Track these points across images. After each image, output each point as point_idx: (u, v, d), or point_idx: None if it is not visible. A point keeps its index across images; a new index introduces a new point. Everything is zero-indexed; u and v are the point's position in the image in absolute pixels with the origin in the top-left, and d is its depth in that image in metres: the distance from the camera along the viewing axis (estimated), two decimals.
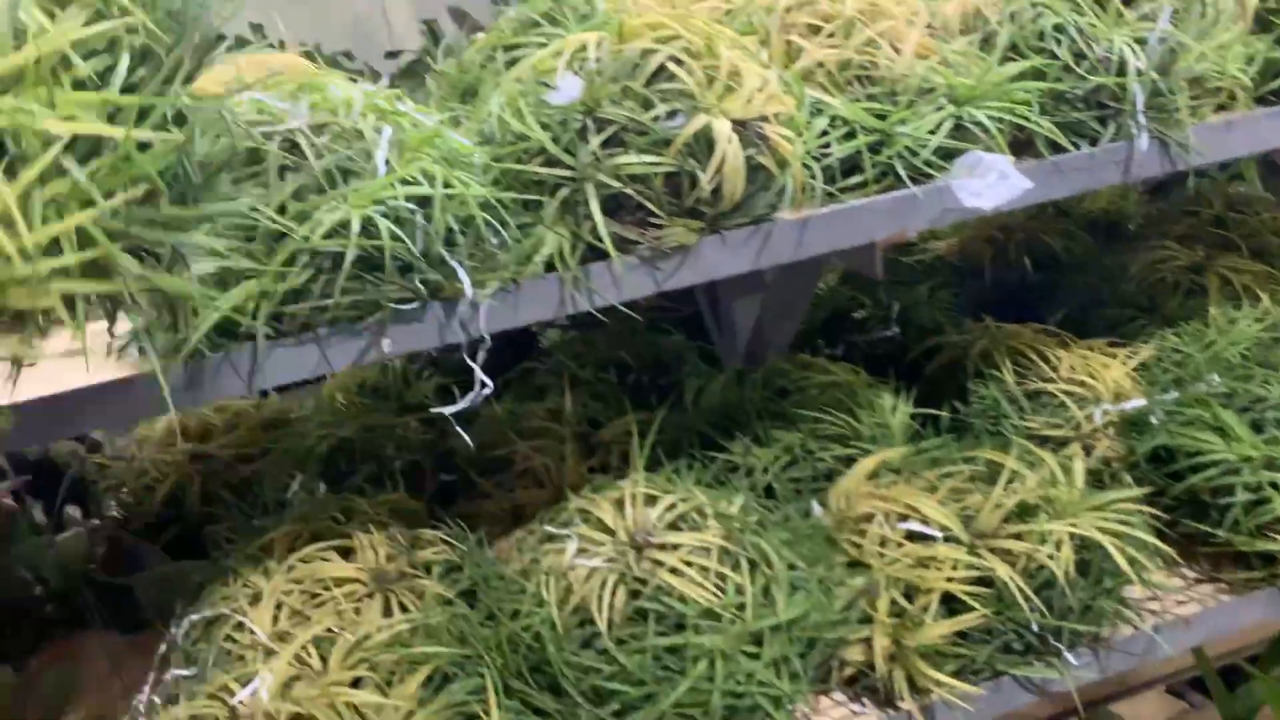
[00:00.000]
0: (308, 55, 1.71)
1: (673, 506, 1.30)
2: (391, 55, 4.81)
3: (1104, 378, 1.57)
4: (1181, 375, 1.57)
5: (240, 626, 1.29)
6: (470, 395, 1.13)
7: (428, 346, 1.12)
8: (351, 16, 4.64)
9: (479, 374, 1.11)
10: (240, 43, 4.18)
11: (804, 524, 1.39)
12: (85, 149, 0.81)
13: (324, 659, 1.21)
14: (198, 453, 1.79)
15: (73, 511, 1.88)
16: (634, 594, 1.21)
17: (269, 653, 1.22)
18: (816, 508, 1.44)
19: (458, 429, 1.25)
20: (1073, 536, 1.27)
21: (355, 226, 1.04)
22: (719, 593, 1.20)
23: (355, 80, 1.21)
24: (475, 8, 4.75)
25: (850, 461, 1.48)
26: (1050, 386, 1.55)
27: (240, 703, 1.14)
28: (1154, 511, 1.41)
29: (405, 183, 1.08)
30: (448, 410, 1.15)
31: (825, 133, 1.27)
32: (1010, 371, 1.59)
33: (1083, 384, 1.56)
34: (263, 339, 1.05)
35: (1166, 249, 1.85)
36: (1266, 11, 1.42)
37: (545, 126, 1.16)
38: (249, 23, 4.50)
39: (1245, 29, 1.41)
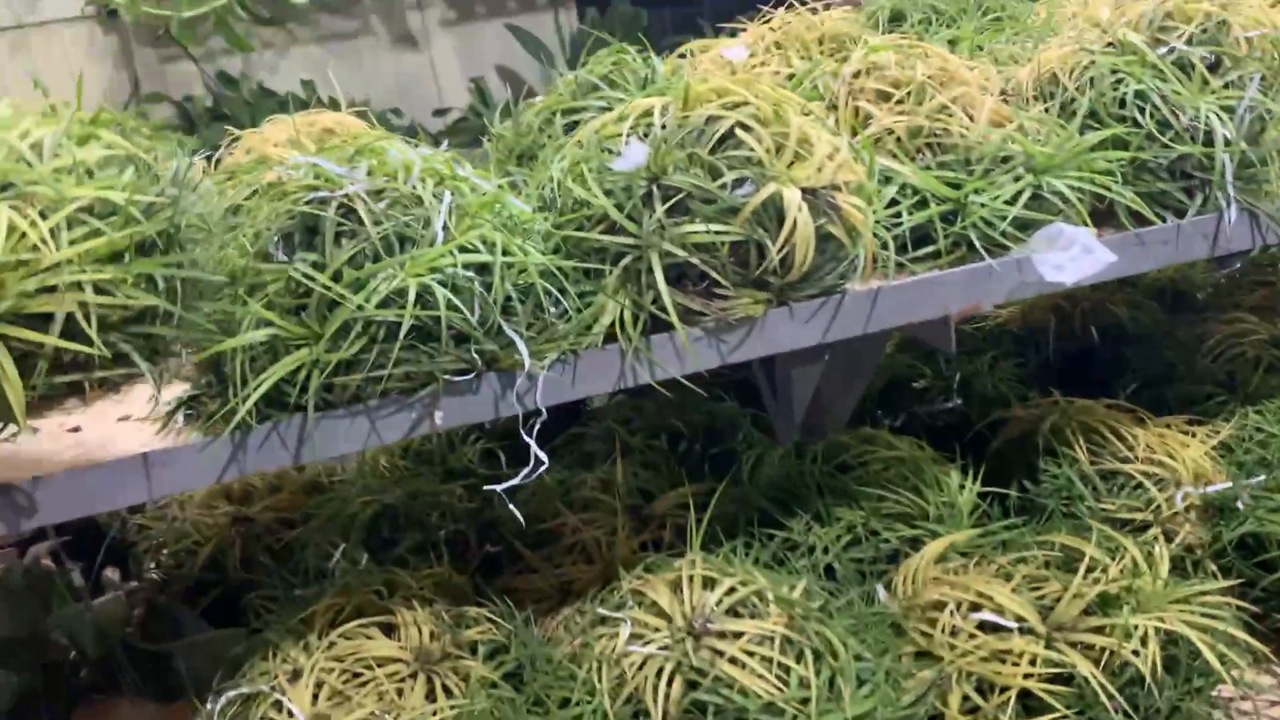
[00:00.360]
0: (359, 114, 1.70)
1: (732, 591, 1.24)
2: (440, 113, 4.85)
3: (1183, 458, 1.49)
4: (1266, 456, 1.49)
5: (279, 706, 1.23)
6: (524, 471, 1.08)
7: (482, 419, 1.08)
8: (399, 74, 4.70)
9: (535, 449, 1.06)
10: (293, 100, 4.23)
11: (868, 610, 1.32)
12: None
13: None
14: (239, 515, 1.75)
15: (111, 574, 1.84)
16: (691, 685, 1.15)
17: None
18: (882, 592, 1.36)
19: (509, 505, 1.20)
20: (1158, 631, 1.19)
21: (411, 295, 1.00)
22: (782, 685, 1.13)
23: (413, 142, 1.18)
24: (522, 65, 4.80)
25: (916, 542, 1.42)
26: (1127, 467, 1.47)
27: None
28: (1242, 604, 1.32)
29: (464, 250, 1.04)
30: (499, 488, 1.10)
31: (895, 201, 1.22)
32: (1083, 449, 1.52)
33: (1161, 464, 1.48)
34: (312, 411, 1.01)
35: (1243, 322, 1.77)
36: None
37: (609, 193, 1.12)
38: (300, 79, 4.57)
39: None
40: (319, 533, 1.62)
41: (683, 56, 1.65)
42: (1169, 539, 1.41)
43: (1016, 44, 1.58)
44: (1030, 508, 1.51)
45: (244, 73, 4.60)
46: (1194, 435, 1.56)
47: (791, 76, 1.43)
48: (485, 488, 1.13)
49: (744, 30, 1.62)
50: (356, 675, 1.26)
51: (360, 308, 1.00)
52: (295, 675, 1.27)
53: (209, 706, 1.30)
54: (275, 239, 1.05)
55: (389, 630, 1.33)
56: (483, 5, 4.80)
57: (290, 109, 1.71)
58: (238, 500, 1.80)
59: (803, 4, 1.61)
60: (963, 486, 1.48)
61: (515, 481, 1.09)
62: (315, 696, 1.24)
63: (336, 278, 1.02)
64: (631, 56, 1.54)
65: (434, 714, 1.18)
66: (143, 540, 1.84)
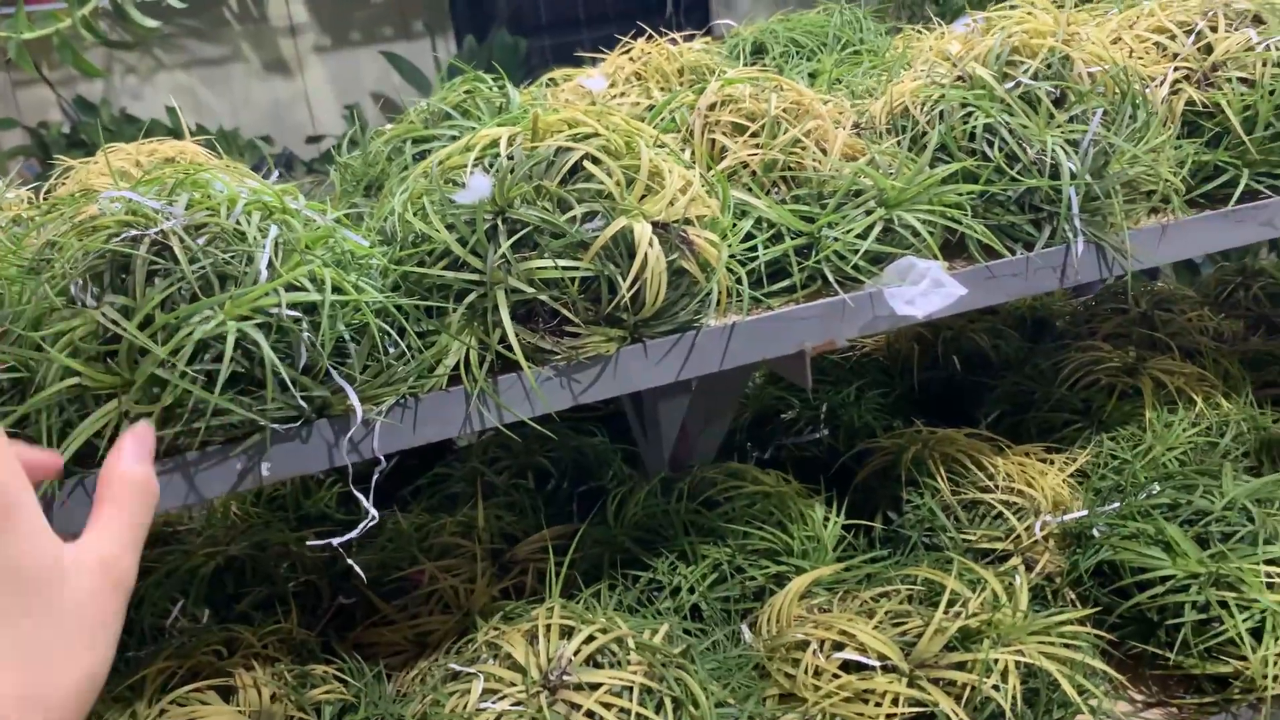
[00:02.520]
0: (208, 143, 1.61)
1: (590, 639, 1.19)
2: (313, 140, 4.72)
3: (1041, 486, 1.50)
4: (1121, 483, 1.51)
5: None
6: (360, 526, 1.01)
7: (314, 470, 1.01)
8: (272, 100, 4.57)
9: (366, 505, 1.00)
10: (157, 127, 4.04)
11: (734, 651, 1.29)
12: None
13: None
14: None
15: None
16: None
17: None
18: (747, 632, 1.33)
19: (350, 561, 1.13)
20: (1018, 665, 1.18)
21: (230, 339, 0.93)
22: None
23: (267, 170, 1.11)
24: (399, 93, 4.71)
25: (781, 579, 1.39)
26: (987, 496, 1.48)
27: None
28: (1099, 633, 1.33)
29: (290, 288, 0.97)
30: (336, 541, 1.03)
31: (751, 235, 1.20)
32: (945, 480, 1.52)
33: (1020, 493, 1.50)
34: None
35: (1098, 349, 1.81)
36: (1194, 115, 1.40)
37: (451, 227, 1.07)
38: (165, 106, 4.40)
39: (1174, 132, 1.38)
40: (157, 589, 1.51)
41: (548, 85, 1.61)
42: (1029, 568, 1.42)
43: (872, 77, 1.59)
44: (895, 539, 1.51)
45: (105, 98, 4.40)
46: (1052, 463, 1.58)
47: (651, 109, 1.40)
48: (319, 542, 1.06)
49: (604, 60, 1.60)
50: None
51: (172, 355, 0.92)
52: None
53: None
54: (79, 280, 0.96)
55: (227, 693, 1.24)
56: (358, 32, 4.71)
57: (154, 136, 1.61)
58: None
59: (667, 35, 1.59)
60: (827, 520, 1.47)
61: (349, 537, 1.02)
62: None
63: (147, 322, 0.94)
64: (488, 85, 1.49)
65: None
66: None
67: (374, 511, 0.99)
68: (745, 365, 1.38)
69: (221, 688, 1.24)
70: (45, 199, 1.47)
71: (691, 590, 1.39)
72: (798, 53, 1.81)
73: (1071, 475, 1.57)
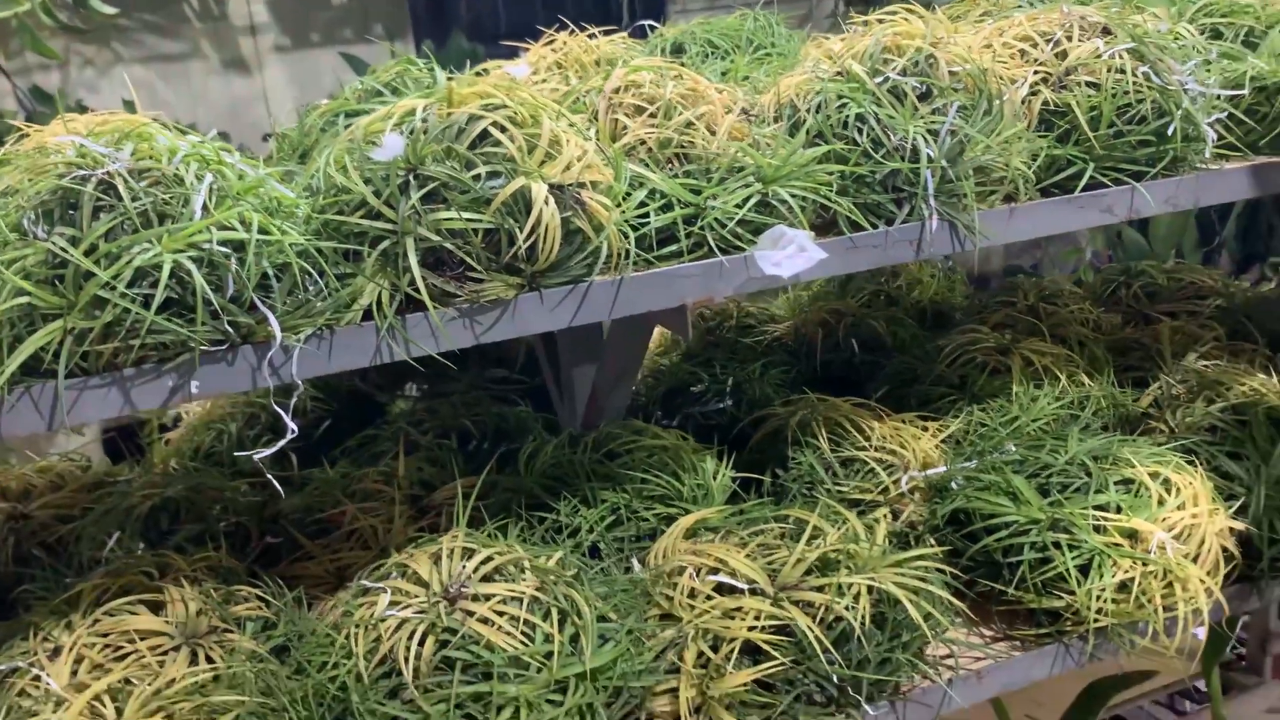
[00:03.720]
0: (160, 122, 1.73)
1: (489, 559, 1.32)
2: (269, 137, 4.82)
3: (914, 448, 1.66)
4: (984, 447, 1.67)
5: (36, 680, 1.25)
6: (281, 442, 1.14)
7: (238, 390, 1.14)
8: (230, 97, 4.66)
9: (286, 419, 1.13)
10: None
11: (622, 579, 1.42)
12: None
13: (120, 711, 1.18)
14: (15, 513, 1.73)
15: None
16: (443, 644, 1.22)
17: (61, 703, 1.18)
18: (636, 565, 1.47)
19: (269, 477, 1.26)
20: (870, 590, 1.33)
21: (166, 268, 1.06)
22: (527, 641, 1.22)
23: (187, 131, 1.24)
24: None
25: (672, 521, 1.53)
26: (863, 454, 1.63)
27: None
28: (954, 571, 1.49)
29: (222, 228, 1.10)
30: (256, 455, 1.16)
31: (644, 204, 1.35)
32: (826, 440, 1.67)
33: (893, 453, 1.65)
34: (62, 377, 1.05)
35: (977, 332, 1.98)
36: (1049, 113, 1.57)
37: (368, 181, 1.20)
38: (123, 100, 4.47)
39: (1030, 127, 1.55)
40: (94, 525, 1.62)
41: (478, 75, 1.75)
42: (895, 517, 1.57)
43: (774, 76, 1.74)
44: (780, 492, 1.66)
45: (61, 89, 4.47)
46: (926, 429, 1.74)
47: (568, 94, 1.54)
48: (240, 454, 1.18)
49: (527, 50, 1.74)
50: (119, 649, 1.29)
51: (113, 279, 1.05)
52: (56, 652, 1.29)
53: None
54: (31, 214, 1.09)
55: (157, 608, 1.36)
56: (317, 33, 4.81)
57: None
58: (15, 498, 1.78)
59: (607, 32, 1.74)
60: (717, 472, 1.61)
61: (271, 451, 1.15)
62: (75, 671, 1.26)
63: (92, 250, 1.07)
64: (418, 67, 1.63)
65: (192, 678, 1.21)
66: None
67: (293, 425, 1.12)
68: (645, 326, 1.53)
69: (151, 603, 1.36)
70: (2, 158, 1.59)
71: (591, 530, 1.53)
72: (713, 53, 1.96)
73: (943, 441, 1.73)
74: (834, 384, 2.07)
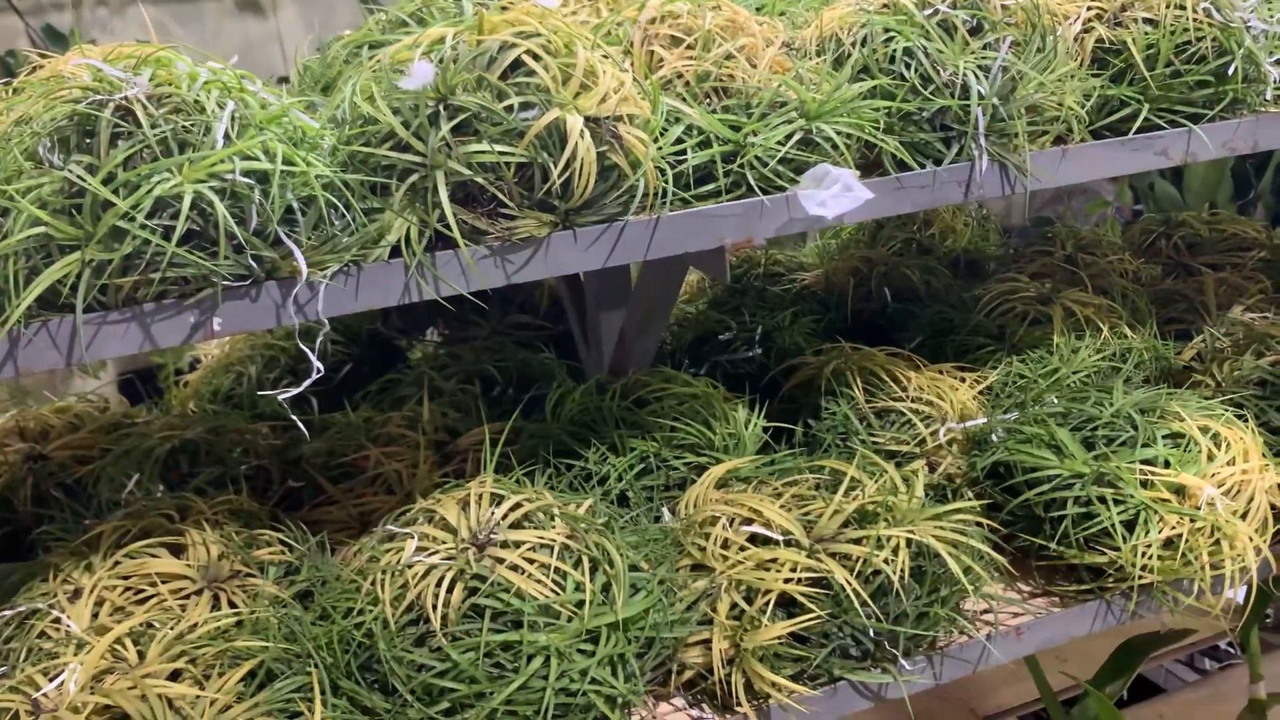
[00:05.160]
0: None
1: (518, 506, 1.29)
2: (283, 80, 4.74)
3: (951, 399, 1.61)
4: (1023, 398, 1.62)
5: (56, 622, 1.22)
6: (306, 382, 1.10)
7: (262, 327, 1.09)
8: (244, 40, 4.58)
9: (312, 358, 1.09)
10: None
11: (653, 528, 1.39)
12: None
13: (142, 655, 1.15)
14: (33, 454, 1.71)
15: None
16: (471, 591, 1.19)
17: (82, 646, 1.16)
18: (667, 514, 1.44)
19: (295, 419, 1.22)
20: (909, 543, 1.29)
21: (187, 199, 1.02)
22: (558, 590, 1.19)
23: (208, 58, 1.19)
24: None
25: (702, 470, 1.49)
26: (899, 405, 1.59)
27: (44, 695, 1.07)
28: (993, 524, 1.45)
29: (244, 157, 1.06)
30: (283, 395, 1.12)
31: (681, 140, 1.29)
32: (860, 390, 1.63)
33: (930, 404, 1.61)
34: (80, 311, 1.01)
35: (1016, 281, 1.92)
36: (1103, 52, 1.50)
37: (396, 111, 1.15)
38: (136, 40, 4.41)
39: (1082, 66, 1.48)
40: (114, 466, 1.59)
41: (504, 9, 1.68)
42: (932, 469, 1.53)
43: (815, 9, 1.68)
44: (812, 442, 1.62)
45: (74, 29, 4.41)
46: (964, 380, 1.69)
47: (598, 26, 1.48)
48: (264, 393, 1.14)
49: None
50: (140, 592, 1.26)
51: (132, 209, 1.00)
52: (76, 594, 1.26)
53: None
54: (47, 141, 1.04)
55: (178, 551, 1.33)
56: None
57: None
58: (33, 438, 1.75)
59: None
60: (749, 421, 1.57)
61: (296, 391, 1.11)
62: (95, 613, 1.24)
63: (110, 179, 1.02)
64: None
65: (214, 622, 1.19)
66: None
67: (318, 365, 1.08)
68: (677, 269, 1.48)
69: (172, 545, 1.33)
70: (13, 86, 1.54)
71: (619, 478, 1.49)
72: None
73: (981, 393, 1.68)
74: (866, 333, 2.02)
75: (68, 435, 1.75)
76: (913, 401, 1.60)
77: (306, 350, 1.08)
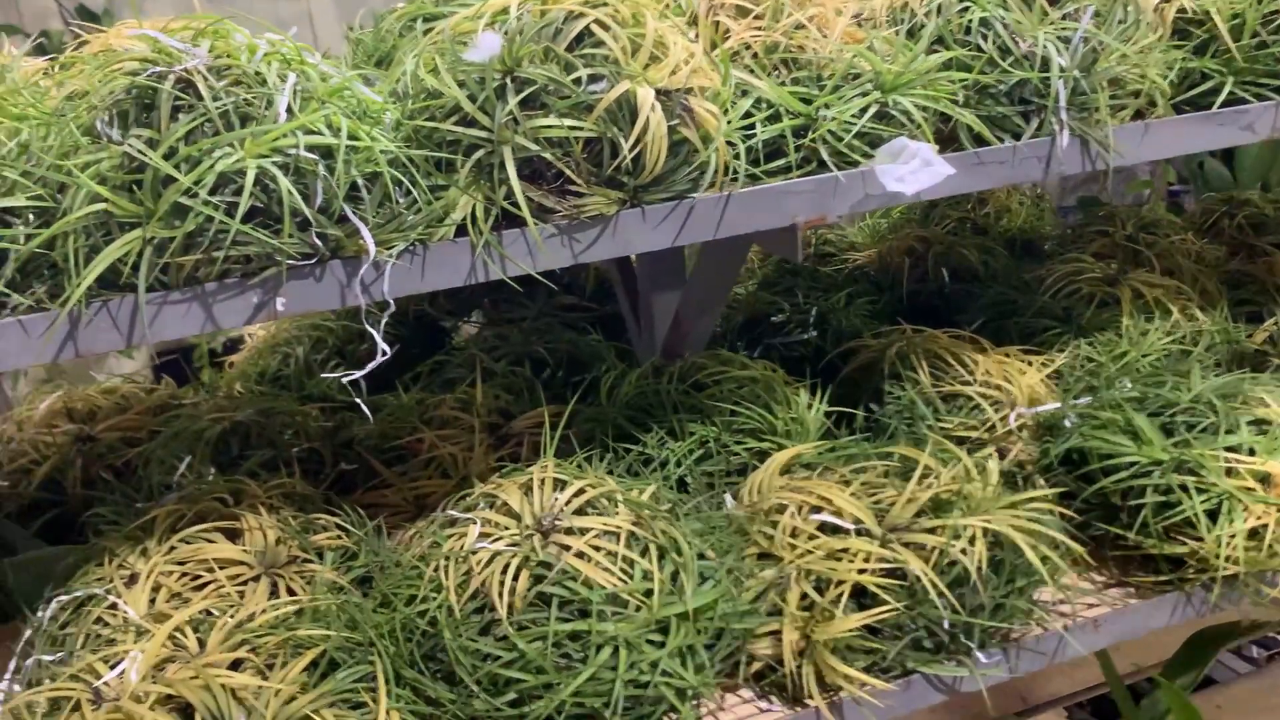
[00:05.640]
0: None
1: (581, 492, 1.25)
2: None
3: (1019, 383, 1.56)
4: (1094, 382, 1.57)
5: (113, 608, 1.20)
6: (372, 364, 1.07)
7: (327, 308, 1.06)
8: (276, 19, 4.55)
9: (378, 339, 1.05)
10: None
11: (717, 515, 1.35)
12: None
13: (202, 643, 1.13)
14: (82, 435, 1.69)
15: None
16: (537, 579, 1.16)
17: (141, 633, 1.13)
18: (729, 500, 1.40)
19: (358, 399, 1.19)
20: (986, 533, 1.25)
21: (250, 175, 0.98)
22: (626, 578, 1.15)
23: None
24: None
25: (764, 456, 1.45)
26: (967, 389, 1.54)
27: (105, 684, 1.05)
28: (1066, 512, 1.40)
29: (308, 132, 1.02)
30: (346, 377, 1.09)
31: (750, 114, 1.24)
32: (926, 373, 1.58)
33: (998, 388, 1.56)
34: (143, 290, 0.98)
35: (1081, 262, 1.86)
36: (1185, 23, 1.44)
37: (461, 84, 1.11)
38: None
39: (1164, 38, 1.42)
40: (164, 448, 1.57)
41: None
42: (1002, 456, 1.48)
43: None
44: (875, 428, 1.57)
45: (107, 9, 4.40)
46: (1030, 364, 1.64)
47: None
48: (326, 375, 1.11)
49: None
50: (196, 578, 1.24)
51: (195, 185, 0.97)
52: (132, 579, 1.24)
53: (39, 615, 1.26)
54: (105, 115, 1.01)
55: (233, 536, 1.31)
56: None
57: None
58: (81, 419, 1.74)
59: None
60: (811, 406, 1.52)
61: (363, 373, 1.08)
62: (152, 600, 1.21)
63: (171, 154, 0.99)
64: None
65: (275, 610, 1.16)
66: None
67: (385, 347, 1.05)
68: (739, 249, 1.43)
69: (227, 530, 1.31)
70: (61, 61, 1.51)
71: (678, 464, 1.46)
72: None
73: (1049, 376, 1.63)
74: (922, 315, 1.97)
75: (115, 416, 1.73)
76: (980, 385, 1.55)
77: (371, 332, 1.04)
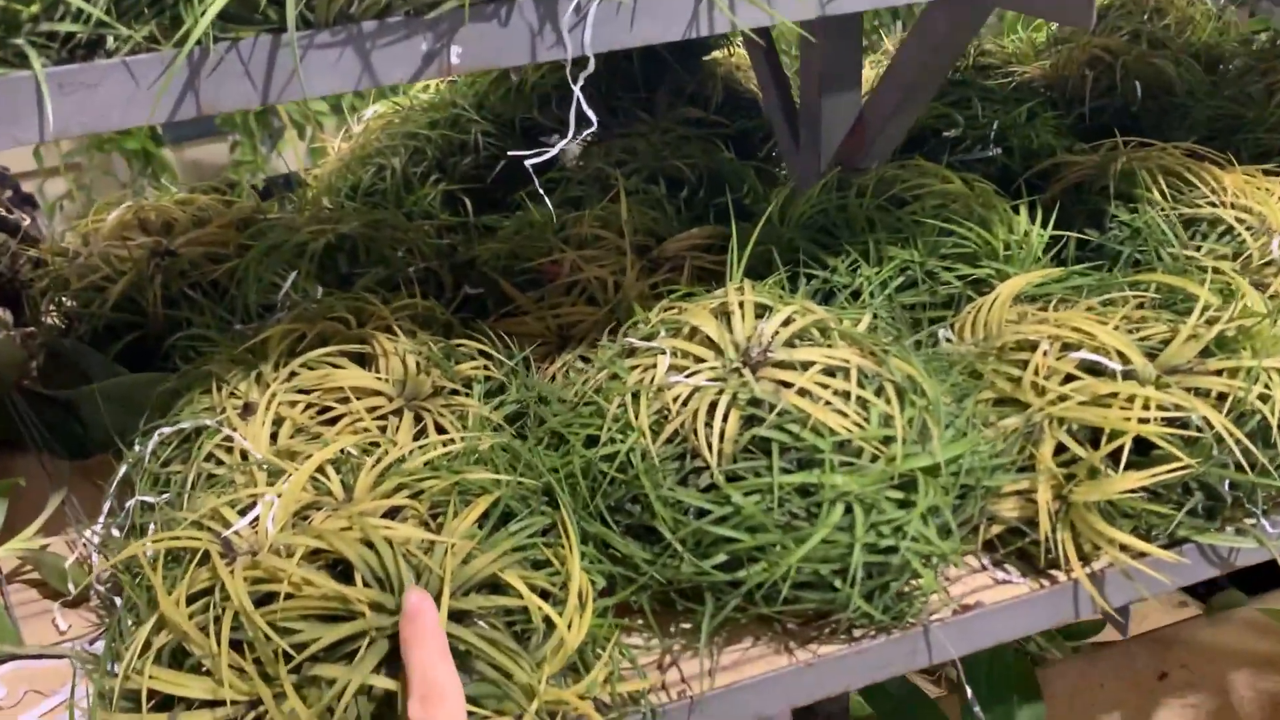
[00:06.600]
0: None
1: (789, 321, 1.02)
2: None
3: (1273, 207, 1.31)
4: None
5: (228, 441, 1.00)
6: (571, 135, 0.83)
7: (510, 63, 0.81)
8: None
9: (582, 103, 0.81)
10: None
11: (937, 353, 1.13)
12: None
13: (347, 487, 0.92)
14: (159, 249, 1.46)
15: (2, 314, 1.54)
16: (749, 421, 0.94)
17: (274, 474, 0.93)
18: (946, 335, 1.17)
19: (539, 192, 0.95)
20: None
21: None
22: (862, 422, 0.94)
23: None
24: None
25: (978, 285, 1.22)
26: (1218, 211, 1.29)
27: (237, 534, 0.85)
28: None
29: None
30: (536, 157, 0.85)
31: None
32: (1165, 194, 1.32)
33: (1249, 210, 1.30)
34: (293, 22, 0.73)
35: None
36: None
37: None
38: None
39: None
40: (260, 264, 1.35)
41: None
42: (1261, 291, 1.24)
43: None
44: (1096, 256, 1.33)
45: None
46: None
47: None
48: (525, 154, 0.87)
49: None
50: (325, 410, 1.03)
51: None
52: (248, 410, 1.03)
53: (137, 450, 1.06)
54: None
55: (361, 363, 1.09)
56: None
57: None
58: (156, 232, 1.51)
59: None
60: (1032, 230, 1.28)
61: (564, 145, 0.84)
62: (275, 435, 1.01)
63: None
64: None
65: (431, 450, 0.95)
66: (39, 278, 1.54)
67: (593, 116, 0.80)
68: (968, 23, 1.17)
69: (355, 355, 1.09)
70: None
71: (874, 294, 1.22)
72: None
73: None
74: (1108, 134, 1.70)
75: (195, 230, 1.50)
76: (1230, 208, 1.30)
77: (573, 87, 0.80)
